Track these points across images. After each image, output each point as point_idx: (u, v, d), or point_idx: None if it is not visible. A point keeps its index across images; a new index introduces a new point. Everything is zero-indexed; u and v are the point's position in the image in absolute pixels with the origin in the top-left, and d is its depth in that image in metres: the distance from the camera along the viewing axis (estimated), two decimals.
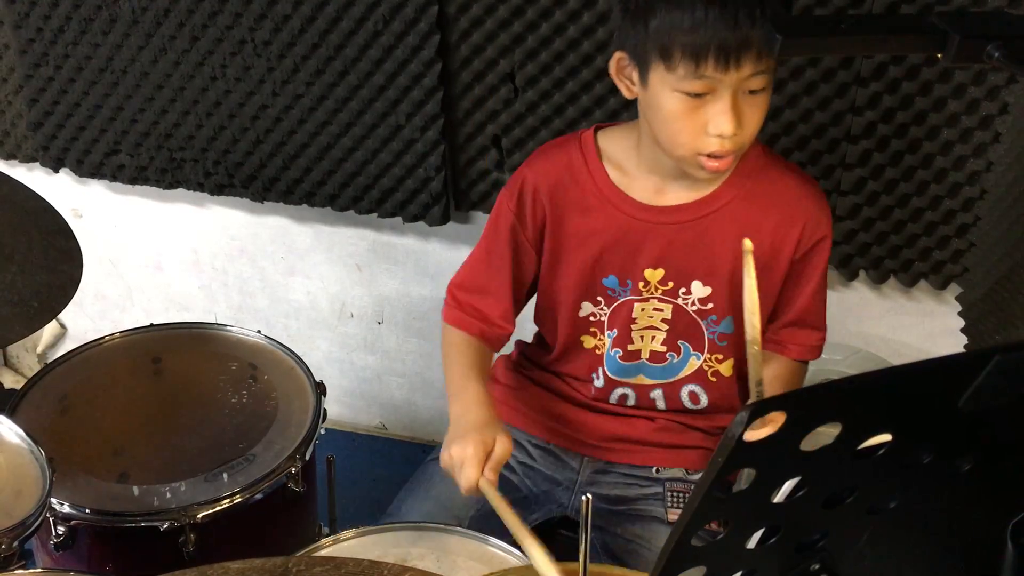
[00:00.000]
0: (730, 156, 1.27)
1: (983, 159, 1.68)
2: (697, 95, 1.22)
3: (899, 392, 0.63)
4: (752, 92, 1.23)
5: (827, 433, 0.64)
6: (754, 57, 1.20)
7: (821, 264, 1.41)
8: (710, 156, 1.26)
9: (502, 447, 1.27)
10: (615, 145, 1.41)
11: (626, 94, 1.32)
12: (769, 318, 1.46)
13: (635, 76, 1.28)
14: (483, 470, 1.25)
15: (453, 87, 1.88)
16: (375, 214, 2.04)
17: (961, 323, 1.74)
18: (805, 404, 0.62)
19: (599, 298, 1.44)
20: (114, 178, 2.15)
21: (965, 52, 0.71)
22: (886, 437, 0.65)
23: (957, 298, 1.76)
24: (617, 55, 1.30)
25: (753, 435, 0.59)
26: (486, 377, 1.43)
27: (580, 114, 1.83)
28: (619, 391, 1.48)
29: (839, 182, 1.76)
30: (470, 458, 1.25)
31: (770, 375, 1.44)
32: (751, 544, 0.68)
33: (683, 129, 1.25)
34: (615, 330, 1.45)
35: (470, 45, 1.82)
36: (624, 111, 1.79)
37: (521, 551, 1.20)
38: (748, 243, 1.25)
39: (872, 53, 1.60)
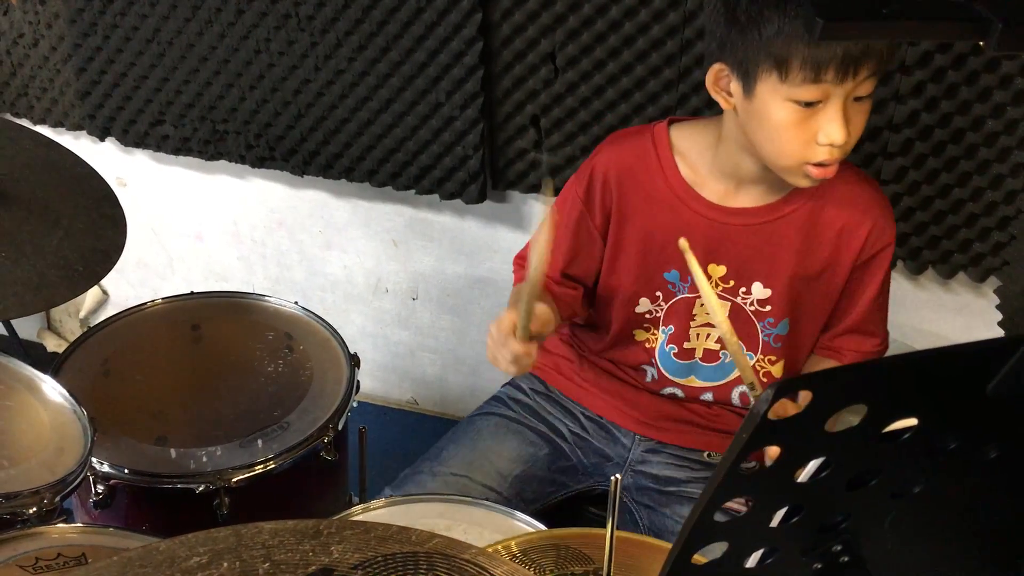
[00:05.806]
0: (836, 164, 1.25)
1: None
2: (809, 104, 1.21)
3: (926, 376, 0.63)
4: (858, 99, 1.23)
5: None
6: (872, 65, 1.19)
7: (881, 271, 1.40)
8: (817, 165, 1.25)
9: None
10: (689, 142, 1.39)
11: (724, 105, 1.29)
12: (825, 327, 1.46)
13: (734, 87, 1.26)
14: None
15: (494, 66, 1.88)
16: (413, 191, 2.06)
17: (999, 316, 1.72)
18: (831, 385, 0.62)
19: (658, 292, 1.43)
20: (158, 148, 2.18)
21: (1009, 40, 0.71)
22: (912, 421, 0.65)
23: (996, 291, 1.74)
24: (716, 67, 1.27)
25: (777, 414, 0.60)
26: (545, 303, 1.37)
27: (620, 96, 1.82)
28: (670, 389, 1.49)
29: (880, 171, 1.75)
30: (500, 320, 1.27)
31: None
32: (774, 522, 0.69)
33: (792, 139, 1.23)
34: (671, 326, 1.45)
35: (512, 24, 1.83)
36: (664, 94, 1.78)
37: None
38: (683, 242, 1.22)
39: (915, 39, 1.58)
